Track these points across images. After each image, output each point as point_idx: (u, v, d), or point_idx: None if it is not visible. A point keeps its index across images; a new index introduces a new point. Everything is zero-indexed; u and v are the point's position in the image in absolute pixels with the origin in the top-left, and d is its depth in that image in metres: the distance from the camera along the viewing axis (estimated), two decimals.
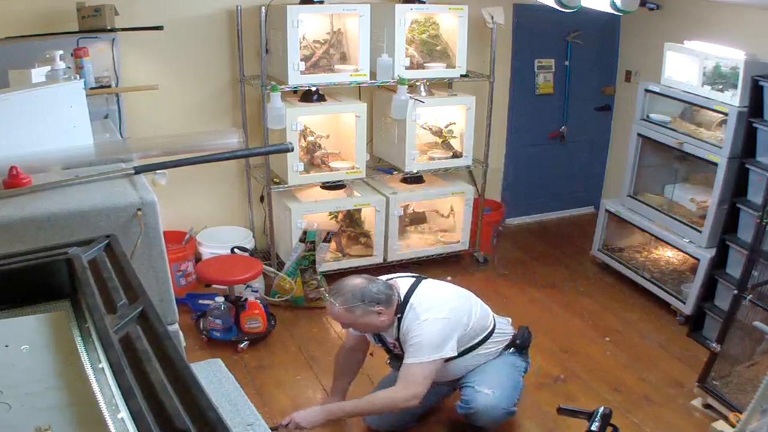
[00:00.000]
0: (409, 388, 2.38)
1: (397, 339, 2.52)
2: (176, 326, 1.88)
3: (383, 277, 2.60)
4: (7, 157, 1.81)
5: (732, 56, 3.29)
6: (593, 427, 2.08)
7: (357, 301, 2.42)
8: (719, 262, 3.30)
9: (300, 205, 3.80)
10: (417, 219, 4.37)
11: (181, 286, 3.68)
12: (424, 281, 2.58)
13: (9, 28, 3.11)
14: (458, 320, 2.46)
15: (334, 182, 3.87)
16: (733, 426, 2.51)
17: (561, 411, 2.32)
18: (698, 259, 3.48)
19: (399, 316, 2.47)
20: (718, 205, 3.38)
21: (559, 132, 4.85)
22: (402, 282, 2.56)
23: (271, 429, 2.12)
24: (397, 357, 2.60)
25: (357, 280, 2.48)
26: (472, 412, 2.48)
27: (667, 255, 3.97)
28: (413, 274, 2.68)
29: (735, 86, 3.24)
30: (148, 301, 0.92)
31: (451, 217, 4.31)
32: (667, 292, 3.71)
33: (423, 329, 2.40)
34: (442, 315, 2.43)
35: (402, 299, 2.48)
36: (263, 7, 3.40)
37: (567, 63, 4.69)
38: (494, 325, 2.63)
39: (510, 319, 2.78)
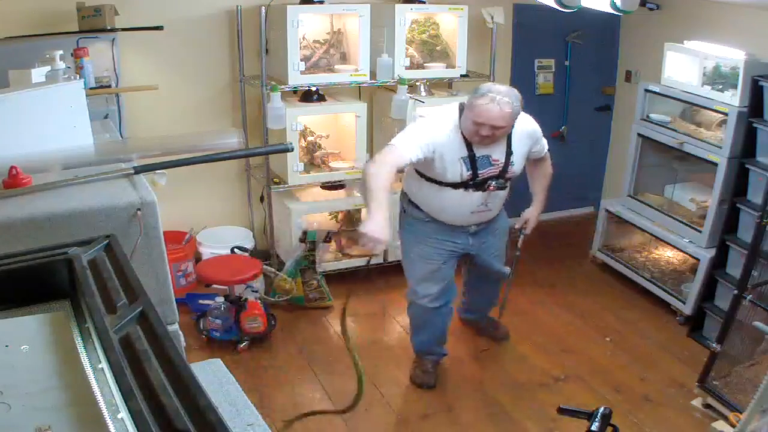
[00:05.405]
0: None
1: (506, 153, 2.54)
2: (176, 326, 1.88)
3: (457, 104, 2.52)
4: (7, 157, 1.80)
5: (732, 56, 3.29)
6: (593, 427, 2.07)
7: (518, 102, 2.26)
8: (719, 262, 3.30)
9: (300, 205, 3.80)
10: None
11: (181, 286, 3.68)
12: None
13: (9, 28, 3.11)
14: None
15: (334, 182, 3.87)
16: (733, 426, 2.51)
17: (561, 411, 2.31)
18: (698, 259, 3.48)
19: None
20: (718, 205, 3.38)
21: (559, 132, 4.84)
22: None
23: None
24: (491, 179, 2.67)
25: (502, 86, 2.32)
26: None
27: (667, 255, 3.97)
28: None
29: (735, 86, 3.24)
30: (148, 301, 0.92)
31: None
32: (667, 292, 3.71)
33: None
34: None
35: None
36: (263, 7, 3.41)
37: (567, 63, 4.69)
38: None
39: None
